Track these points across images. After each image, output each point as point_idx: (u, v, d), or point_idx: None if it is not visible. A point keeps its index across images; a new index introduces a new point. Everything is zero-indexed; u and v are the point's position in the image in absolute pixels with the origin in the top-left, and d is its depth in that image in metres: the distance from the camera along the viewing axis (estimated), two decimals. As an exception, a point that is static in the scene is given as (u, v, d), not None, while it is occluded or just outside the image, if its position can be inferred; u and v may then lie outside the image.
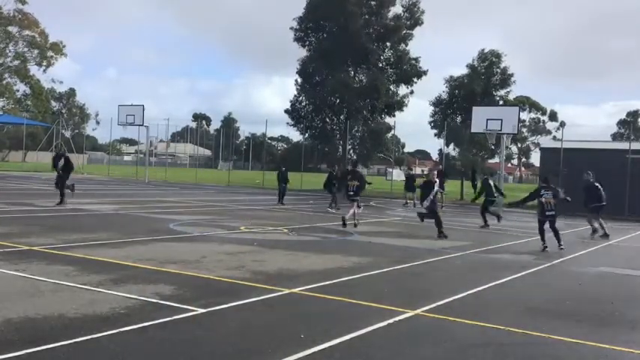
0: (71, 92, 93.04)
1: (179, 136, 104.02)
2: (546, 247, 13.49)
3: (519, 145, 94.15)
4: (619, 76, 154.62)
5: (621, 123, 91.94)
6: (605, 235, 17.04)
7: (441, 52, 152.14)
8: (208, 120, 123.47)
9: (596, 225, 17.24)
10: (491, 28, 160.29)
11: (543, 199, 13.98)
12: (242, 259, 9.94)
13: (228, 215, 18.20)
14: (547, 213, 13.89)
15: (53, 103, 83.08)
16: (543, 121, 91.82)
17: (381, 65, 40.73)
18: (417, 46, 77.87)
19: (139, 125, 41.49)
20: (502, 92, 37.14)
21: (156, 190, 29.96)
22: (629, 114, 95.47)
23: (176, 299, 6.81)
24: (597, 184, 17.61)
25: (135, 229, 13.34)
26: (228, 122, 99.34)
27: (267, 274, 8.75)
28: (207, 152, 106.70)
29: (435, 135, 37.84)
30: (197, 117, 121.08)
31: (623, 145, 31.59)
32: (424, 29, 45.34)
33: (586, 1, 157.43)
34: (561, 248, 13.48)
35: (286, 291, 7.60)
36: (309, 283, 8.08)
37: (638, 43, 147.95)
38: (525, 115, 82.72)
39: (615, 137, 78.42)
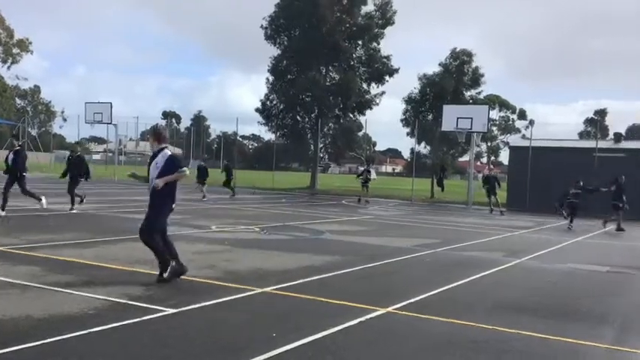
0: (36, 89, 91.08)
1: (149, 135, 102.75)
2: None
3: (489, 144, 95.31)
4: (589, 76, 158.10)
5: (588, 122, 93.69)
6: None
7: (417, 50, 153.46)
8: (178, 118, 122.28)
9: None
10: (467, 27, 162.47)
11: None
12: (213, 259, 9.86)
13: (198, 214, 18.05)
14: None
15: (18, 101, 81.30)
16: (513, 120, 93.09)
17: (352, 63, 40.85)
18: (393, 43, 78.52)
19: (107, 123, 40.90)
20: (473, 92, 37.58)
21: (125, 189, 29.57)
22: (596, 112, 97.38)
23: (146, 299, 6.72)
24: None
25: (103, 228, 13.13)
26: (199, 120, 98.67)
27: (238, 273, 8.69)
28: (178, 150, 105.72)
29: (407, 134, 38.09)
30: (167, 115, 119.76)
31: (590, 144, 32.23)
32: (401, 26, 45.65)
33: (558, 3, 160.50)
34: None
35: (258, 290, 7.56)
36: (281, 282, 8.05)
37: (608, 44, 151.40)
38: (495, 114, 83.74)
39: (582, 136, 79.91)
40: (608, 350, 5.82)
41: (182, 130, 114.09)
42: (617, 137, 33.28)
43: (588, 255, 13.53)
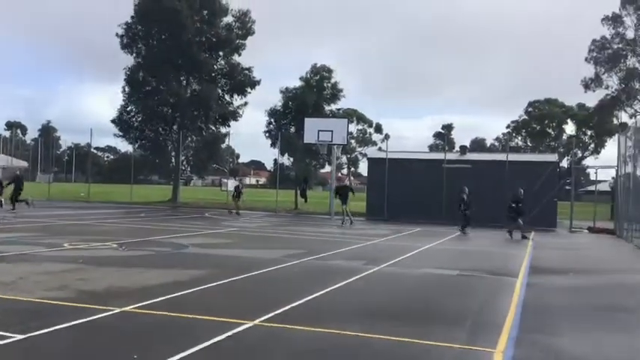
0: None
1: None
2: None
3: (348, 155, 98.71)
4: (438, 93, 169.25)
5: (437, 135, 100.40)
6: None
7: (281, 63, 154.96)
8: (24, 129, 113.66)
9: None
10: (327, 43, 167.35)
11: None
12: (66, 278, 9.20)
13: (49, 232, 16.82)
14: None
15: None
16: (370, 133, 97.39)
17: (214, 75, 40.44)
18: (257, 56, 78.73)
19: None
20: (333, 107, 38.79)
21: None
22: (443, 127, 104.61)
23: (-12, 326, 6.10)
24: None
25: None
26: (48, 131, 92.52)
27: (95, 292, 8.19)
28: (24, 163, 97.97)
29: (271, 146, 38.38)
30: (11, 125, 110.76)
31: (439, 156, 34.49)
32: (264, 39, 45.95)
33: (411, 26, 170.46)
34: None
35: (117, 310, 7.16)
36: (143, 300, 7.69)
37: (455, 65, 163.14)
38: (353, 127, 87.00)
39: (432, 148, 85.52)
40: (461, 350, 6.20)
41: (28, 141, 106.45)
42: (463, 149, 35.99)
43: (440, 260, 14.39)
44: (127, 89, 39.73)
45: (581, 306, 9.04)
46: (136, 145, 41.23)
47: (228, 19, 40.22)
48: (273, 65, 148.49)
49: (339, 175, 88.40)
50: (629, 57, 49.67)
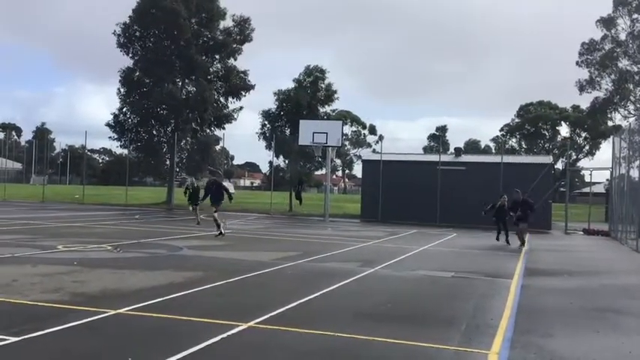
0: None
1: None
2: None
3: (345, 158, 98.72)
4: (433, 95, 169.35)
5: (431, 137, 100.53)
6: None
7: (278, 67, 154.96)
8: (19, 130, 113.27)
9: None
10: (323, 46, 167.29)
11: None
12: (60, 281, 9.18)
13: (43, 234, 16.76)
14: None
15: None
16: (364, 135, 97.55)
17: (209, 77, 40.40)
18: (254, 58, 78.54)
19: None
20: (327, 109, 38.74)
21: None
22: (438, 129, 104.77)
23: (-18, 329, 6.08)
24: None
25: None
26: (42, 133, 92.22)
27: (89, 295, 8.17)
28: (18, 165, 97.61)
29: (266, 147, 38.29)
30: (5, 127, 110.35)
31: (434, 157, 34.54)
32: (261, 42, 45.59)
33: (406, 28, 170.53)
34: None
35: (112, 312, 7.15)
36: (138, 302, 7.69)
37: (450, 67, 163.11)
38: (347, 129, 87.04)
39: (426, 150, 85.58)
40: (456, 352, 6.21)
41: (23, 143, 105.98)
42: (458, 151, 36.03)
43: (435, 262, 14.42)
44: (122, 90, 39.63)
45: (575, 307, 9.07)
46: (131, 148, 41.10)
47: (228, 23, 40.20)
48: (268, 66, 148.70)
49: (334, 176, 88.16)
50: (620, 58, 49.92)
